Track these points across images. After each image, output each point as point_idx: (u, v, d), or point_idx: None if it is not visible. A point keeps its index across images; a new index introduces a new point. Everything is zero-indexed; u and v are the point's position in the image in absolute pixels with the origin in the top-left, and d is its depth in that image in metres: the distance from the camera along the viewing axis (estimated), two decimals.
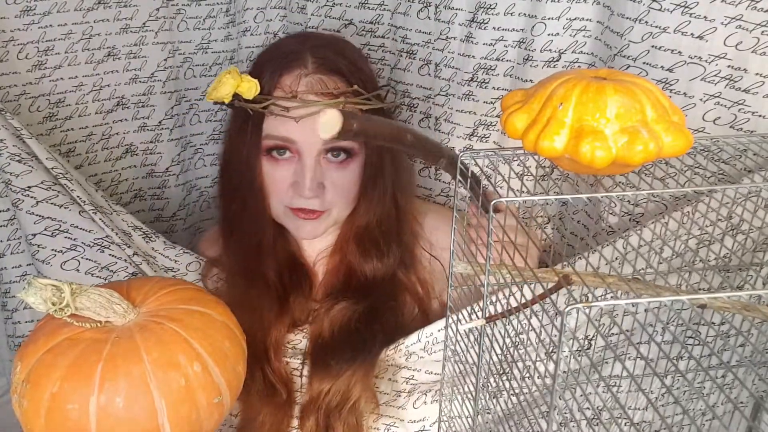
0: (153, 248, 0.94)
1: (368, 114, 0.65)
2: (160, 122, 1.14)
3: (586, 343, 0.79)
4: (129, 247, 0.89)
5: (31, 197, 0.84)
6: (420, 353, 0.84)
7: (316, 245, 0.95)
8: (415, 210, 0.97)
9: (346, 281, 0.93)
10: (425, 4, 0.99)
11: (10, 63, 0.97)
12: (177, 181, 1.19)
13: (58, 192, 0.86)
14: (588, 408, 0.80)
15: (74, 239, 0.86)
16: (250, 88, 0.83)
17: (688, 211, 0.73)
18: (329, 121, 0.55)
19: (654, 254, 0.72)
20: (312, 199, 0.86)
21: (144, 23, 1.07)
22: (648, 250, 0.73)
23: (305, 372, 0.88)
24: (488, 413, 0.71)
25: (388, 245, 0.92)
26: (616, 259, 0.76)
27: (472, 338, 0.69)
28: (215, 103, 0.87)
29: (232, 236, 0.93)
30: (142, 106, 1.12)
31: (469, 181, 0.63)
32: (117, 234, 0.89)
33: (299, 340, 0.91)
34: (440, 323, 0.82)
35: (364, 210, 0.91)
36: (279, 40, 0.99)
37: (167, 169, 1.17)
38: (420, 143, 0.67)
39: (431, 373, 0.85)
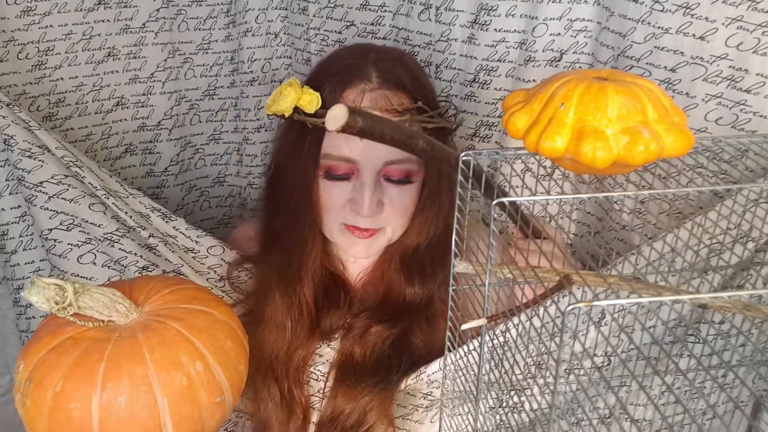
0: (174, 227, 0.92)
1: (380, 116, 0.61)
2: (159, 122, 1.14)
3: (591, 348, 0.79)
4: (145, 229, 0.88)
5: (44, 193, 0.84)
6: (441, 380, 0.81)
7: (362, 262, 0.92)
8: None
9: (383, 299, 0.90)
10: (426, 6, 0.99)
11: (10, 63, 0.97)
12: (176, 181, 1.19)
13: (69, 186, 0.85)
14: (595, 411, 0.80)
15: (87, 233, 0.86)
16: (311, 101, 0.77)
17: (699, 221, 0.73)
18: (336, 115, 0.55)
19: (666, 265, 0.71)
20: (369, 217, 0.83)
21: (144, 24, 1.07)
22: (661, 262, 0.73)
23: (329, 383, 0.87)
24: (491, 408, 0.71)
25: (433, 269, 0.88)
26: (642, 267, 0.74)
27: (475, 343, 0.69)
28: (273, 115, 0.80)
29: (273, 248, 0.89)
30: (142, 107, 1.12)
31: (507, 208, 0.59)
32: (132, 217, 0.87)
33: (328, 351, 0.89)
34: (462, 350, 0.76)
35: (416, 231, 0.88)
36: (337, 52, 0.93)
37: (166, 168, 1.17)
38: (433, 150, 0.66)
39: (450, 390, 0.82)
